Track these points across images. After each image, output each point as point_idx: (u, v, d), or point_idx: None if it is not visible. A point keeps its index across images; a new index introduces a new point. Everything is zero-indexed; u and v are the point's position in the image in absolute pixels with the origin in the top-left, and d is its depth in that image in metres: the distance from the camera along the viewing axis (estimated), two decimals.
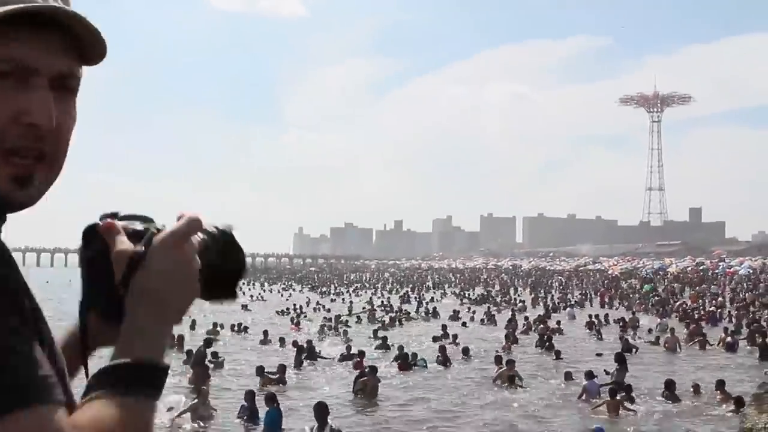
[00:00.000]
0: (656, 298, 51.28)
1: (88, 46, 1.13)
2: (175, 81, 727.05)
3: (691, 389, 19.15)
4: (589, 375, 18.83)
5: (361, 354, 23.65)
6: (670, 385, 18.63)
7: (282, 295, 65.18)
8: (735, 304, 45.24)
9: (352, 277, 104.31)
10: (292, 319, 38.29)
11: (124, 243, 1.13)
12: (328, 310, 43.66)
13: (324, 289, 74.91)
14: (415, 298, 57.52)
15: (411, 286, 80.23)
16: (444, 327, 32.30)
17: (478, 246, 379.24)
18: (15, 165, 1.08)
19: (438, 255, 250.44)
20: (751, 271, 73.09)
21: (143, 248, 1.10)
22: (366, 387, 18.93)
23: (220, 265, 1.18)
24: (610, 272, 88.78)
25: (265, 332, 30.55)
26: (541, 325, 33.27)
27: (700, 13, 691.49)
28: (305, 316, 40.68)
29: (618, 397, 17.18)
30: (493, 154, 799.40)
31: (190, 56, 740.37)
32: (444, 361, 24.17)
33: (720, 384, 18.42)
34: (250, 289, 68.97)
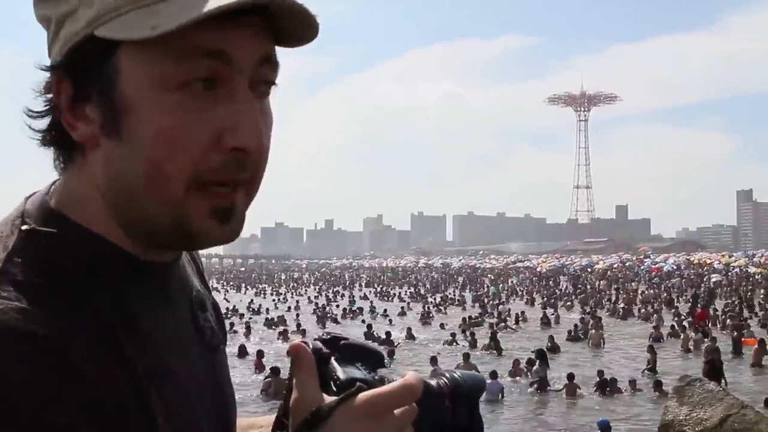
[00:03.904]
0: (582, 295, 52.06)
1: (289, 23, 0.81)
2: None
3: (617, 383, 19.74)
4: (493, 374, 19.38)
5: (260, 354, 22.51)
6: (605, 381, 19.49)
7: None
8: (659, 300, 45.99)
9: (282, 277, 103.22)
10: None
11: (308, 387, 0.83)
12: (271, 311, 42.71)
13: (258, 289, 73.84)
14: (349, 297, 57.16)
15: (342, 285, 79.98)
16: (369, 326, 31.24)
17: (409, 244, 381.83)
18: (213, 195, 0.81)
19: (369, 254, 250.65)
20: (675, 268, 74.58)
21: (331, 406, 0.80)
22: (269, 388, 18.31)
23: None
24: (539, 270, 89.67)
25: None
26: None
27: (627, 13, 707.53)
28: (250, 318, 39.54)
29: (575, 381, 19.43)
30: (424, 153, 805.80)
31: None
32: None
33: (658, 384, 18.97)
34: None
